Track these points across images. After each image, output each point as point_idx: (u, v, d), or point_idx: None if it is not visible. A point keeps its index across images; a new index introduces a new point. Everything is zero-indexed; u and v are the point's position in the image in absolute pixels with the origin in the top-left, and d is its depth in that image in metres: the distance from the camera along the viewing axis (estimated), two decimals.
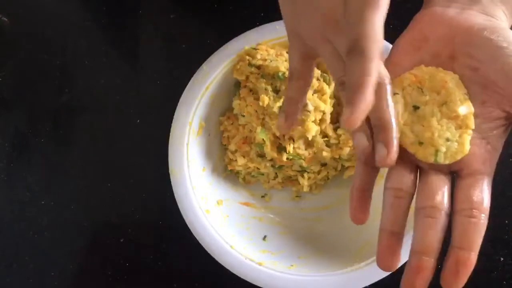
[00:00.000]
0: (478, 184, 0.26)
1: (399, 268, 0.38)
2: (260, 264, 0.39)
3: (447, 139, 0.27)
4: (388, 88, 0.26)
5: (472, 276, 0.44)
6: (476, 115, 0.27)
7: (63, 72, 0.51)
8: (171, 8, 0.52)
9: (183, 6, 0.52)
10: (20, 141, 0.50)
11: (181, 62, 0.50)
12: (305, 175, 0.44)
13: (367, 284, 0.38)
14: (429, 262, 0.26)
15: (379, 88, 0.25)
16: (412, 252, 0.26)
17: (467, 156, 0.26)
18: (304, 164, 0.43)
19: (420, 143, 0.27)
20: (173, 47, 0.51)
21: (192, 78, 0.42)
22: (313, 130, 0.41)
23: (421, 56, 0.28)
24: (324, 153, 0.43)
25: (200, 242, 0.39)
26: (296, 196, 0.47)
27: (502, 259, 0.45)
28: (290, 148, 0.42)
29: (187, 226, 0.40)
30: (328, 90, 0.41)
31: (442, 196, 0.27)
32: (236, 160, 0.45)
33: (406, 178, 0.28)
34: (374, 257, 0.38)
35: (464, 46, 0.27)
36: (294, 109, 0.34)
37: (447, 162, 0.27)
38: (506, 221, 0.45)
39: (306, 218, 0.46)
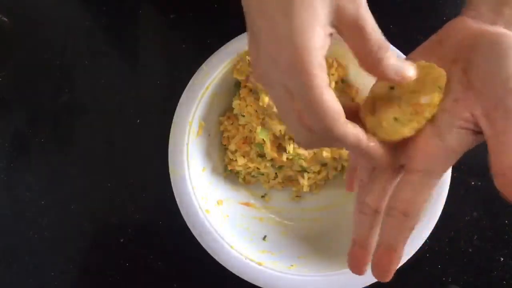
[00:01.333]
0: (413, 182, 0.26)
1: (398, 269, 0.38)
2: (260, 264, 0.39)
3: (395, 119, 0.27)
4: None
5: (472, 276, 0.45)
6: (444, 109, 0.26)
7: (63, 72, 0.51)
8: (171, 8, 0.52)
9: (183, 6, 0.52)
10: (20, 141, 0.50)
11: (181, 62, 0.50)
12: (305, 175, 0.44)
13: (367, 284, 0.38)
14: (361, 252, 0.29)
15: None
16: (352, 241, 0.29)
17: (413, 151, 0.26)
18: (304, 164, 0.43)
19: (374, 117, 0.28)
20: (173, 47, 0.51)
21: (192, 78, 0.42)
22: None
23: (430, 59, 0.28)
24: (324, 153, 0.43)
25: (200, 242, 0.39)
26: (296, 196, 0.47)
27: (502, 259, 0.45)
28: (290, 148, 0.42)
29: (187, 226, 0.40)
30: None
31: (378, 194, 0.27)
32: (236, 160, 0.45)
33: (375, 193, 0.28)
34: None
35: (468, 51, 0.27)
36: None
37: (385, 138, 0.27)
38: (506, 221, 0.45)
39: (306, 218, 0.46)
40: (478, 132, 0.26)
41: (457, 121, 0.26)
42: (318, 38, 0.23)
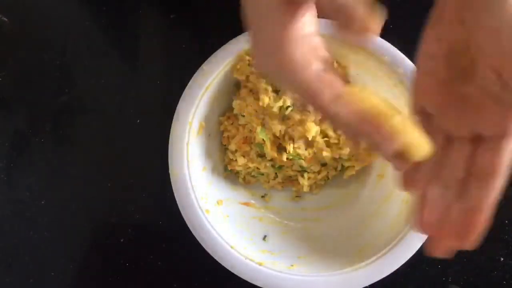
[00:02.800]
0: (492, 147, 0.25)
1: (398, 269, 0.38)
2: (260, 264, 0.39)
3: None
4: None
5: (472, 276, 0.45)
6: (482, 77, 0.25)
7: (63, 72, 0.51)
8: (171, 8, 0.52)
9: (183, 6, 0.52)
10: (20, 141, 0.50)
11: (181, 62, 0.50)
12: (305, 175, 0.44)
13: (367, 284, 0.38)
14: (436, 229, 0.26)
15: None
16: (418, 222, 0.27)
17: (481, 122, 0.26)
18: (304, 164, 0.43)
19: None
20: (173, 47, 0.51)
21: (192, 78, 0.42)
22: (313, 130, 0.41)
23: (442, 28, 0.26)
24: (324, 153, 0.43)
25: (200, 242, 0.39)
26: (296, 196, 0.47)
27: (502, 259, 0.45)
28: (290, 148, 0.42)
29: (187, 226, 0.40)
30: None
31: (458, 166, 0.27)
32: (236, 160, 0.45)
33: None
34: (374, 257, 0.38)
35: (468, 8, 0.25)
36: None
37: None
38: (506, 221, 0.45)
39: (306, 218, 0.46)
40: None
41: (493, 80, 0.24)
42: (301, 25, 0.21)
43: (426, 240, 0.27)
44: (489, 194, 0.25)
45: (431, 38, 0.27)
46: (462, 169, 0.27)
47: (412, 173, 0.28)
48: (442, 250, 0.26)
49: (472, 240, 0.26)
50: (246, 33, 0.42)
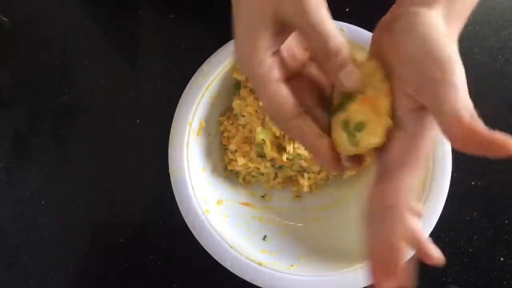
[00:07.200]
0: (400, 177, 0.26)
1: None
2: (260, 264, 0.39)
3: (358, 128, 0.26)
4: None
5: (472, 276, 0.45)
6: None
7: (63, 72, 0.51)
8: (171, 8, 0.52)
9: (183, 6, 0.52)
10: (20, 141, 0.50)
11: (181, 62, 0.50)
12: (305, 175, 0.44)
13: (367, 284, 0.38)
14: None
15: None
16: None
17: (386, 152, 0.26)
18: (304, 164, 0.43)
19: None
20: (173, 47, 0.51)
21: (192, 78, 0.42)
22: None
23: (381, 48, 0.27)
24: None
25: (200, 242, 0.39)
26: (296, 196, 0.47)
27: (502, 259, 0.45)
28: (290, 148, 0.42)
29: (187, 226, 0.40)
30: None
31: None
32: (236, 160, 0.45)
33: None
34: None
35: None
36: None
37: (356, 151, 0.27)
38: (506, 221, 0.45)
39: (306, 218, 0.46)
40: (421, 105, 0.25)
41: (403, 109, 0.26)
42: (263, 40, 0.25)
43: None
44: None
45: None
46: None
47: None
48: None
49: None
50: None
